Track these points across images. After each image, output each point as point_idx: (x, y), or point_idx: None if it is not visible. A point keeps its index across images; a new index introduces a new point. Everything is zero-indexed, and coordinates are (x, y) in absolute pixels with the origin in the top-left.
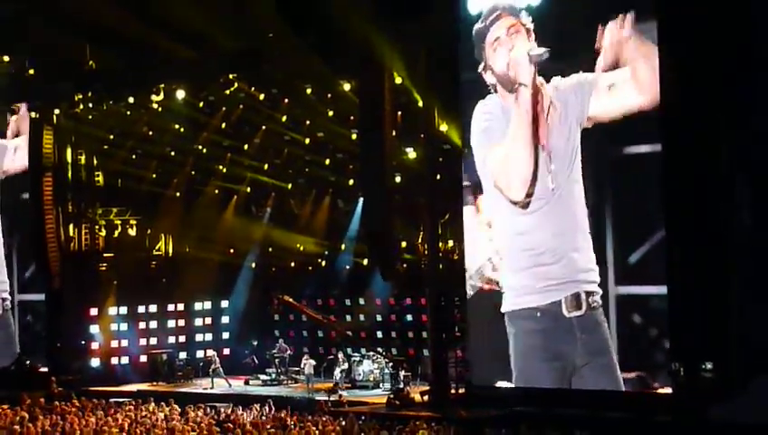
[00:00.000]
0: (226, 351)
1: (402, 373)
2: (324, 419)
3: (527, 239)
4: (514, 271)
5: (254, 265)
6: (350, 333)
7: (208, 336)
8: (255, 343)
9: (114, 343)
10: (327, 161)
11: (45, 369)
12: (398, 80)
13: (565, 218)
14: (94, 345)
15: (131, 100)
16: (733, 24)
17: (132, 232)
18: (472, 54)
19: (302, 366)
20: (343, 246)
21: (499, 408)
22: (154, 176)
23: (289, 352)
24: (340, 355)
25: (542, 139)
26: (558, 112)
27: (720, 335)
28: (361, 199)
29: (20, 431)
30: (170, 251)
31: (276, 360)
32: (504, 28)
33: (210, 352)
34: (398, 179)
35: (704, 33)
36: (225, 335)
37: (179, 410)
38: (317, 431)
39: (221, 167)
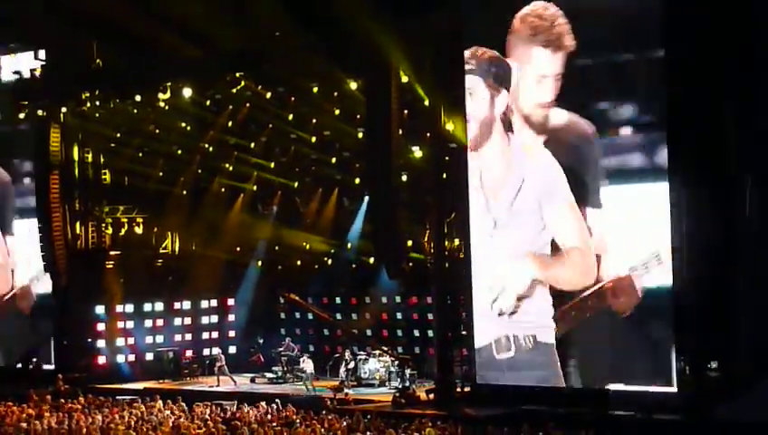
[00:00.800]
0: (232, 349)
1: (408, 372)
2: (330, 417)
3: None
4: None
5: (260, 263)
6: (356, 332)
7: (215, 334)
8: (261, 340)
9: (120, 341)
10: (333, 160)
11: (52, 366)
12: (405, 78)
13: None
14: (101, 343)
15: (138, 98)
16: (735, 23)
17: (139, 230)
18: None
19: (301, 366)
20: (347, 245)
21: (505, 406)
22: (161, 174)
23: (296, 350)
24: (346, 353)
25: None
26: None
27: (725, 334)
28: (366, 198)
29: (27, 429)
30: (177, 249)
31: (283, 358)
32: None
33: (216, 351)
34: (404, 178)
35: (706, 32)
36: (232, 333)
37: (186, 407)
38: (323, 429)
39: (227, 165)
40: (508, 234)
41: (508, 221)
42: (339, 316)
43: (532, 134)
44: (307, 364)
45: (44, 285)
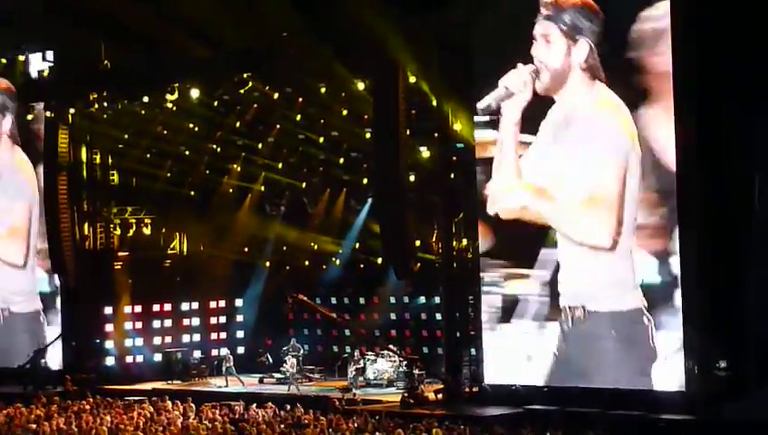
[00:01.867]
0: (240, 349)
1: (416, 372)
2: (337, 417)
3: None
4: None
5: (268, 263)
6: (364, 332)
7: (223, 335)
8: (270, 341)
9: (128, 342)
10: (341, 160)
11: (60, 367)
12: (412, 79)
13: None
14: (109, 344)
15: (146, 99)
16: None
17: (147, 231)
18: (486, 51)
19: (286, 364)
20: (355, 245)
21: (512, 406)
22: (169, 175)
23: (302, 350)
24: (355, 354)
25: None
26: None
27: (735, 334)
28: (369, 200)
29: (35, 430)
30: (185, 250)
31: (290, 358)
32: None
33: (224, 351)
34: (412, 178)
35: (720, 24)
36: (240, 334)
37: (194, 408)
38: (331, 430)
39: (235, 166)
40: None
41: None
42: (347, 317)
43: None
44: (291, 362)
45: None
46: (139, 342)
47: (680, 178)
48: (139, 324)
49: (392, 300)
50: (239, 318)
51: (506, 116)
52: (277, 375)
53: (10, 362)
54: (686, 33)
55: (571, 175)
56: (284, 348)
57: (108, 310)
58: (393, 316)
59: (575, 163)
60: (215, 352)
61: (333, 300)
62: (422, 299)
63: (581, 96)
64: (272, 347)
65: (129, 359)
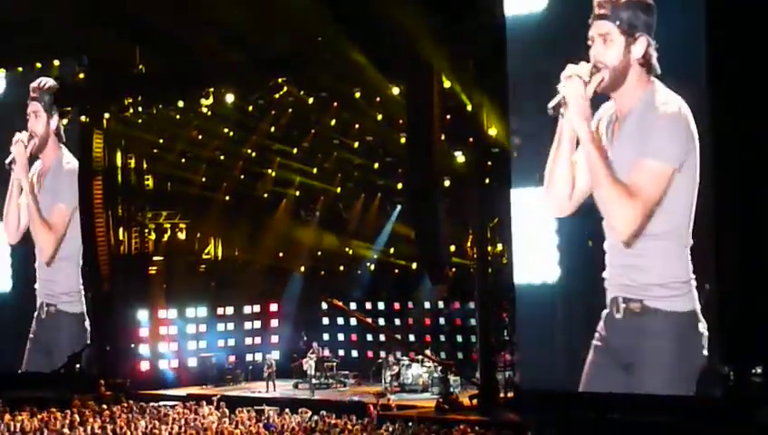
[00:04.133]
0: (275, 354)
1: (451, 377)
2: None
3: None
4: None
5: (303, 268)
6: (399, 337)
7: (257, 339)
8: (305, 337)
9: (163, 347)
10: (376, 165)
11: (95, 372)
12: (447, 83)
13: None
14: (143, 348)
15: (181, 104)
16: None
17: (182, 235)
18: (520, 57)
19: (304, 366)
20: (390, 250)
21: (547, 412)
22: (203, 179)
23: (322, 353)
24: (390, 359)
25: None
26: None
27: None
28: (399, 206)
29: (70, 434)
30: (219, 255)
31: (323, 364)
32: None
33: (267, 356)
34: (446, 183)
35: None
36: (275, 339)
37: (228, 413)
38: None
39: (270, 171)
40: None
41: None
42: (381, 322)
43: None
44: (309, 365)
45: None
46: (174, 346)
47: (715, 179)
48: (173, 329)
49: (427, 305)
50: (274, 323)
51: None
52: (313, 381)
53: (50, 361)
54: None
55: (621, 169)
56: (310, 352)
57: (142, 314)
58: (428, 321)
59: (627, 159)
60: (249, 357)
61: (368, 305)
62: (457, 304)
63: (639, 94)
64: (306, 352)
65: (163, 364)
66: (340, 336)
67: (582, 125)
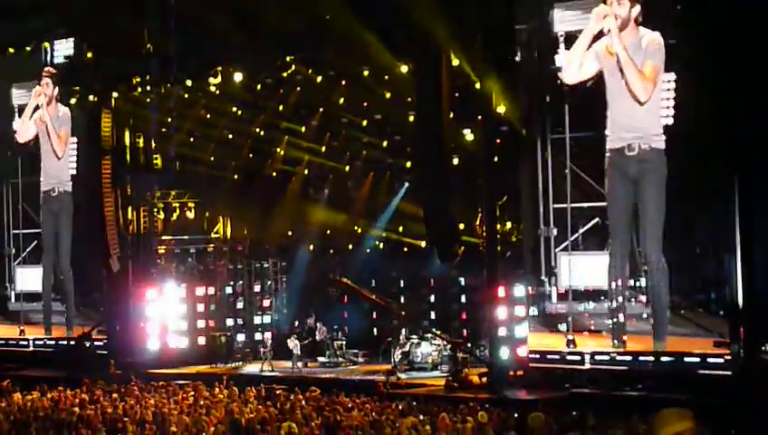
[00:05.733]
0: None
1: (460, 355)
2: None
3: None
4: None
5: (311, 247)
6: (408, 315)
7: (266, 319)
8: (313, 317)
9: (172, 325)
10: (384, 143)
11: (104, 351)
12: (455, 61)
13: None
14: (153, 327)
15: (189, 83)
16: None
17: (190, 215)
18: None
19: (289, 346)
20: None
21: (557, 390)
22: (212, 159)
23: (323, 330)
24: (399, 337)
25: None
26: None
27: None
28: (406, 184)
29: (80, 414)
30: (228, 234)
31: (333, 342)
32: None
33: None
34: (455, 161)
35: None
36: (283, 317)
37: (238, 391)
38: (374, 414)
39: (279, 149)
40: None
41: None
42: (390, 300)
43: None
44: (294, 345)
45: None
46: (183, 325)
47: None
48: (182, 308)
49: (434, 283)
50: (282, 302)
51: None
52: (321, 359)
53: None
54: None
55: None
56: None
57: (152, 294)
58: (437, 299)
59: None
60: (258, 336)
61: (376, 283)
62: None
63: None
64: (314, 331)
65: (172, 342)
66: (349, 315)
67: (620, 47)
